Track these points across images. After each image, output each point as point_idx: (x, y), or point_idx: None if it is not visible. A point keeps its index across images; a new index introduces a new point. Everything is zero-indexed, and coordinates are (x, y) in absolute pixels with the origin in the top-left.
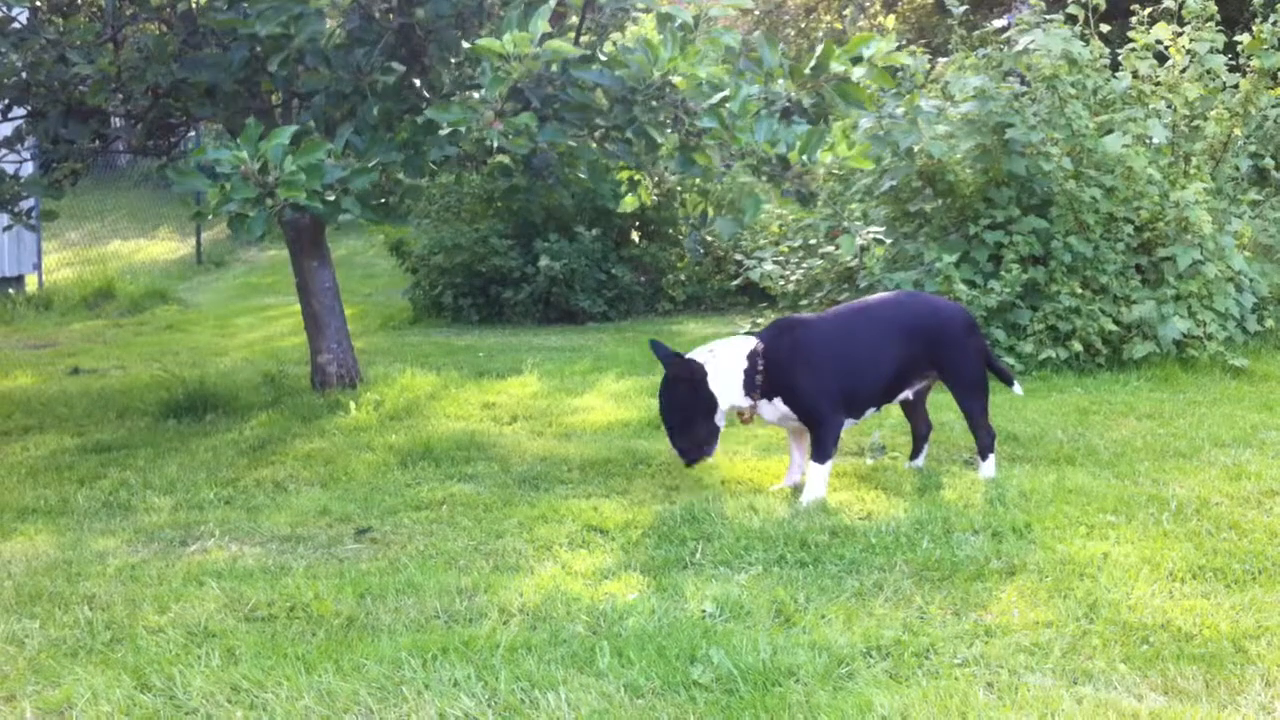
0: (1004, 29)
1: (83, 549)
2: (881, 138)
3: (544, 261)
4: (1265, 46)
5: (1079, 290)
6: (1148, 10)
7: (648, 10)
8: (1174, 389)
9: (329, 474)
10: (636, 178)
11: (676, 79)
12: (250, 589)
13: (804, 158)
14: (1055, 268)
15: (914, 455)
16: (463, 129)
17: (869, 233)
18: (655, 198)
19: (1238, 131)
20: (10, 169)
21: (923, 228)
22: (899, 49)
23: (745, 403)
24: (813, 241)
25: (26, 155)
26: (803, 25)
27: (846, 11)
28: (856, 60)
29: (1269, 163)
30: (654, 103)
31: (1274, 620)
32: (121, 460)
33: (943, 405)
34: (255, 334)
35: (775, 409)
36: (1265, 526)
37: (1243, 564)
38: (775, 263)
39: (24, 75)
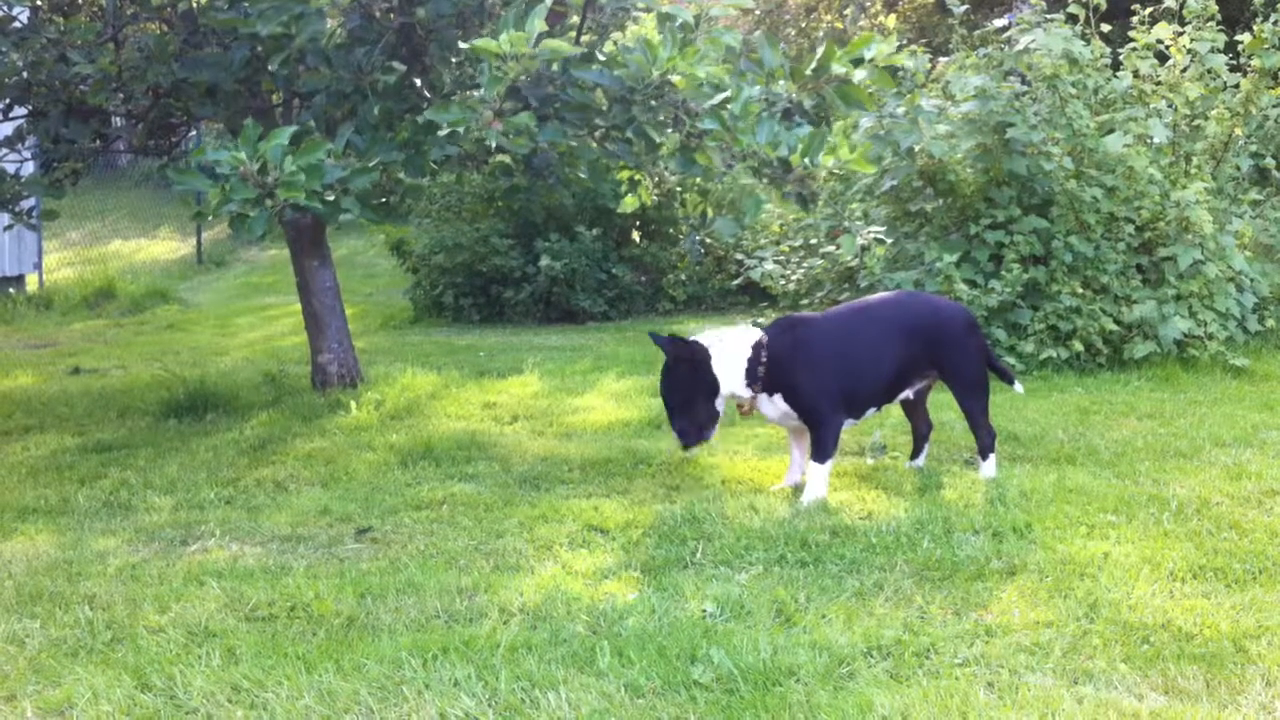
0: (1005, 28)
1: (83, 549)
2: (882, 137)
3: (545, 261)
4: (1266, 46)
5: (1080, 290)
6: (1148, 10)
7: (648, 10)
8: (1175, 389)
9: (329, 474)
10: (637, 178)
11: (675, 78)
12: (251, 589)
13: (806, 160)
14: (1056, 267)
15: (914, 455)
16: (461, 129)
17: (870, 232)
18: (655, 198)
19: (1239, 131)
20: (11, 168)
21: (923, 227)
22: (900, 49)
23: (746, 393)
24: (813, 241)
25: (27, 155)
26: (803, 25)
27: (847, 11)
28: (858, 62)
29: (1270, 162)
30: (653, 102)
31: (1275, 620)
32: (122, 460)
33: (943, 405)
34: (256, 334)
35: (776, 406)
36: (1266, 526)
37: (1243, 564)
38: (776, 262)
39: (25, 75)
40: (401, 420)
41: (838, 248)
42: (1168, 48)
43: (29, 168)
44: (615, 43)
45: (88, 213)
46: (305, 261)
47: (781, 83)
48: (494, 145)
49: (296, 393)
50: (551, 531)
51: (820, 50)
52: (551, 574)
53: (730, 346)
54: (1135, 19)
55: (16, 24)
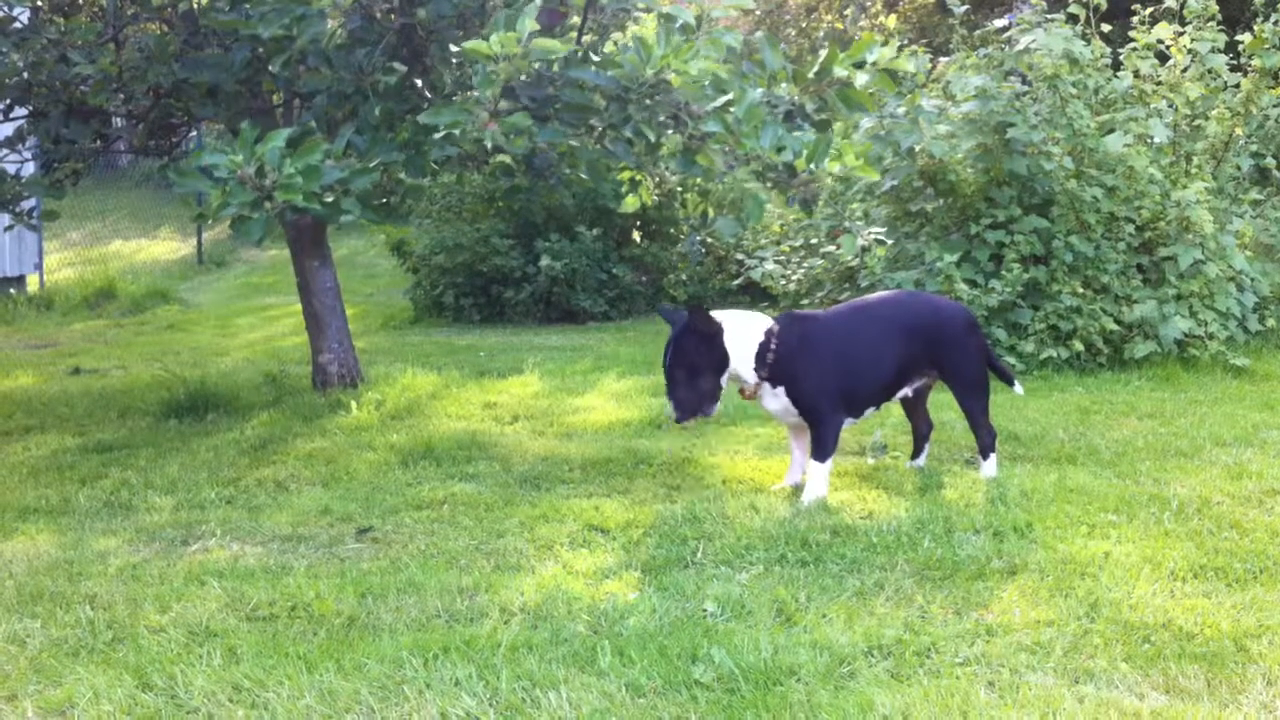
0: (1005, 28)
1: (84, 548)
2: (883, 137)
3: (545, 261)
4: (1266, 46)
5: (1080, 290)
6: (1149, 10)
7: (649, 10)
8: (1175, 388)
9: (330, 473)
10: (638, 178)
11: (671, 76)
12: (252, 588)
13: (811, 165)
14: (1056, 267)
15: (915, 455)
16: (457, 131)
17: (870, 233)
18: (656, 198)
19: (1239, 131)
20: (12, 169)
21: (924, 227)
22: (901, 49)
23: (752, 377)
24: (814, 241)
25: (28, 155)
26: (804, 25)
27: (848, 11)
28: (859, 65)
29: (1270, 162)
30: (648, 101)
31: (1275, 619)
32: (123, 460)
33: (944, 405)
34: (256, 334)
35: (778, 399)
36: (1266, 526)
37: (1244, 563)
38: (776, 262)
39: (25, 75)
40: (402, 420)
41: (838, 248)
42: (1168, 48)
43: (29, 168)
44: (615, 43)
45: (88, 213)
46: (306, 262)
47: (784, 85)
48: (490, 146)
49: (297, 393)
50: (552, 531)
51: (822, 53)
52: (552, 574)
53: (744, 327)
54: (1136, 19)
55: (17, 24)
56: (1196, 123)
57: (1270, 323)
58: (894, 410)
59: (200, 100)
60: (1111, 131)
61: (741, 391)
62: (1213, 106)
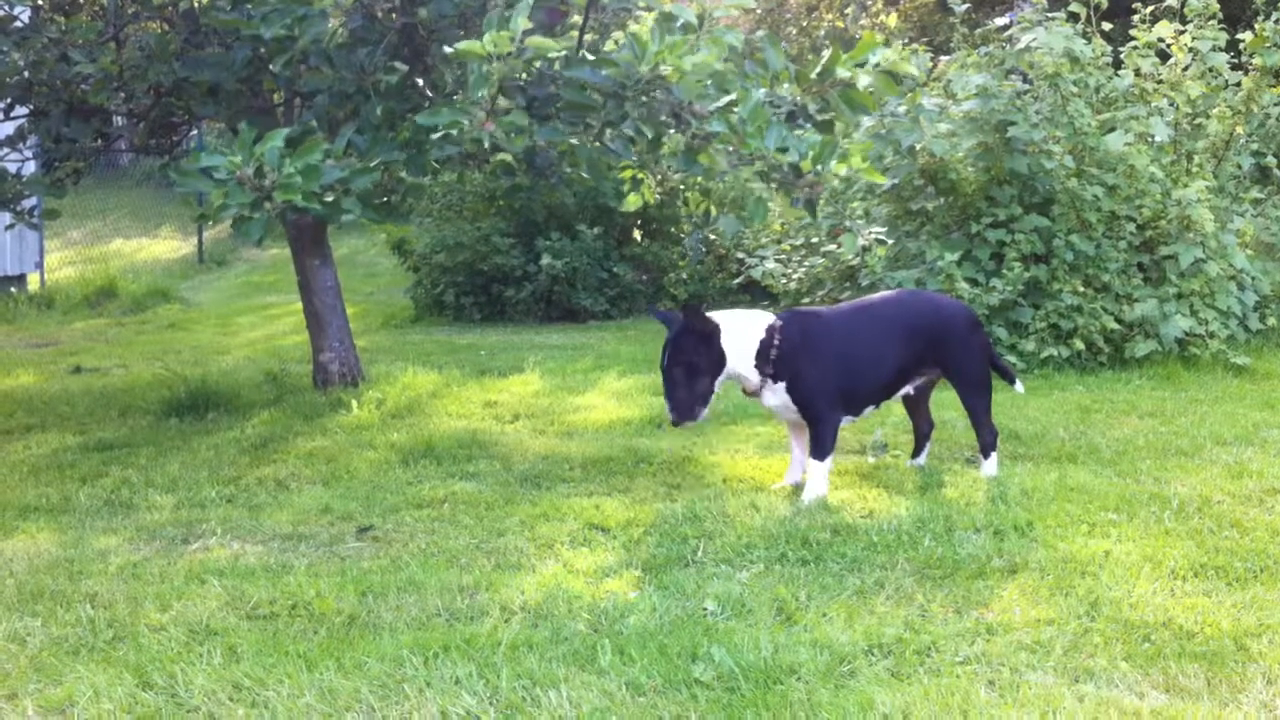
0: (1006, 27)
1: (84, 547)
2: (884, 136)
3: (546, 260)
4: (1267, 44)
5: (1081, 288)
6: (1150, 8)
7: (650, 9)
8: (1176, 387)
9: (331, 472)
10: (640, 176)
11: (666, 71)
12: (252, 587)
13: (817, 167)
14: (1057, 266)
15: (916, 453)
16: (454, 132)
17: (871, 233)
18: (658, 196)
19: (1240, 130)
20: (13, 168)
21: (925, 226)
22: (904, 45)
23: (754, 374)
24: (815, 240)
25: (29, 154)
26: (804, 24)
27: (849, 10)
28: (862, 65)
29: (1271, 161)
30: (643, 98)
31: (1276, 618)
32: (123, 459)
33: (944, 403)
34: (257, 332)
35: (777, 395)
36: (1267, 525)
37: (1244, 562)
38: (777, 261)
39: (26, 74)
40: (403, 419)
41: (839, 246)
42: (1169, 46)
43: (30, 167)
44: (616, 42)
45: (89, 212)
46: (306, 261)
47: (786, 85)
48: (488, 145)
49: (298, 391)
50: (553, 530)
51: (825, 53)
52: (553, 572)
53: (742, 326)
54: (1136, 17)
55: (18, 23)
56: (1197, 121)
57: (1271, 321)
58: (894, 409)
59: (201, 99)
60: (1112, 130)
61: (744, 388)
62: (1214, 105)
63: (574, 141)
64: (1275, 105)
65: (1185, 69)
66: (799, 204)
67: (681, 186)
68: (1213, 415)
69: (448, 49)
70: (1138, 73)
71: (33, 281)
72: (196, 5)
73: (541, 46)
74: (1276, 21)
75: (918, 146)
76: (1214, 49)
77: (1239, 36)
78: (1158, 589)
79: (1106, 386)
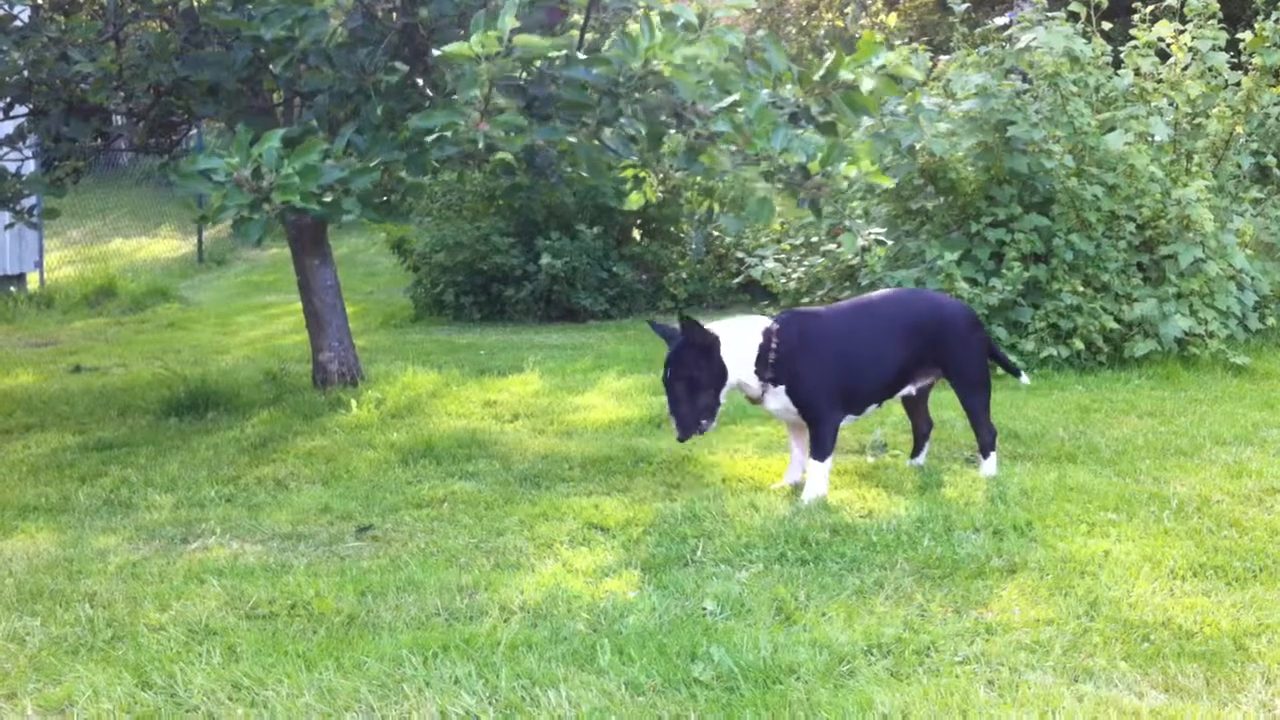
0: (1006, 26)
1: (84, 546)
2: (883, 135)
3: (545, 259)
4: (1267, 44)
5: (1080, 288)
6: (1150, 8)
7: (650, 9)
8: (1175, 387)
9: (330, 472)
10: (641, 175)
11: (660, 66)
12: (251, 586)
13: (826, 169)
14: (1057, 265)
15: (915, 453)
16: (450, 133)
17: (871, 233)
18: (659, 195)
19: (1239, 129)
20: (12, 167)
21: (924, 225)
22: (905, 45)
23: (755, 381)
24: (814, 239)
25: (28, 153)
26: (804, 23)
27: (848, 10)
28: (863, 67)
29: (1271, 160)
30: (638, 95)
31: (1275, 618)
32: (123, 458)
33: (944, 403)
34: (257, 332)
35: (777, 397)
36: (1266, 524)
37: (1244, 562)
38: (777, 260)
39: (26, 73)
40: (402, 418)
41: (839, 246)
42: (1169, 46)
43: (30, 166)
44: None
45: (89, 211)
46: (306, 260)
47: (788, 86)
48: (483, 145)
49: (297, 391)
50: (552, 529)
51: (828, 55)
52: (552, 572)
53: (740, 335)
54: (1136, 17)
55: (17, 23)
56: (1197, 121)
57: (1270, 321)
58: (894, 409)
59: (201, 98)
60: (1112, 130)
61: (748, 396)
62: (1213, 105)
63: (572, 140)
64: (1275, 105)
65: (1185, 69)
66: (804, 204)
67: (682, 185)
68: (1212, 415)
69: (435, 51)
70: (1137, 72)
71: (32, 281)
72: (196, 5)
73: (530, 45)
74: (1276, 21)
75: (917, 146)
76: (1214, 48)
77: (1239, 36)
78: (1157, 589)
79: (1106, 386)
